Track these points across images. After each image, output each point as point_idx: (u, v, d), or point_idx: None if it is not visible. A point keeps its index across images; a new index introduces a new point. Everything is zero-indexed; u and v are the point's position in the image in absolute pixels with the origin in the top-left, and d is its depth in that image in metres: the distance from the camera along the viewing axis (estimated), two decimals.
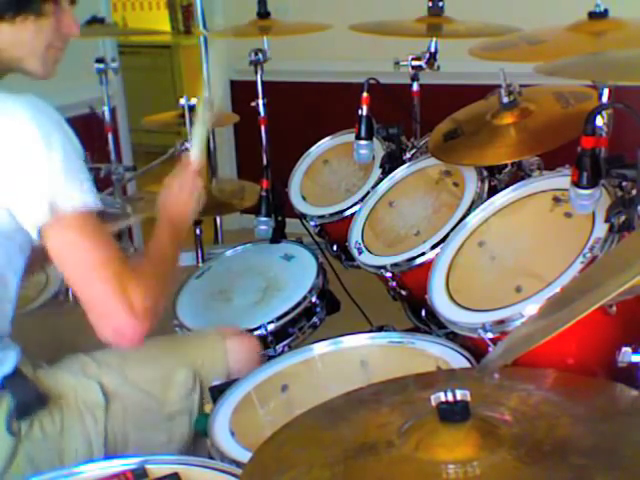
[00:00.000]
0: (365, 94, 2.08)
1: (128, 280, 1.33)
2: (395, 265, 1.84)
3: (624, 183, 1.51)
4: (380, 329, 1.95)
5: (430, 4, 2.37)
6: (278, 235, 2.24)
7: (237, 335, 1.72)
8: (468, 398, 0.95)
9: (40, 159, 1.28)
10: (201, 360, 1.61)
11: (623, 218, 1.42)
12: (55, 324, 1.81)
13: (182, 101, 2.56)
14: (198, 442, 1.57)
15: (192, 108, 2.58)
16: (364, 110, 2.09)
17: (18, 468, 1.39)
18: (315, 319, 1.98)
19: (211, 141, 4.00)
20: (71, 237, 1.31)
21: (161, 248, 1.53)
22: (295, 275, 2.05)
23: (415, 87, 2.44)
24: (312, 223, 2.21)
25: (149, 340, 1.65)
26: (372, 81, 2.09)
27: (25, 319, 1.49)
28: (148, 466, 1.20)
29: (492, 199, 1.75)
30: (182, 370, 1.58)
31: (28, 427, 1.42)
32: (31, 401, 1.42)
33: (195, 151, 1.69)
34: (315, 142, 2.37)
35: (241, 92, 4.12)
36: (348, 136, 2.25)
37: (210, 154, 4.02)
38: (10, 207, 1.30)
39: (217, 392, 1.52)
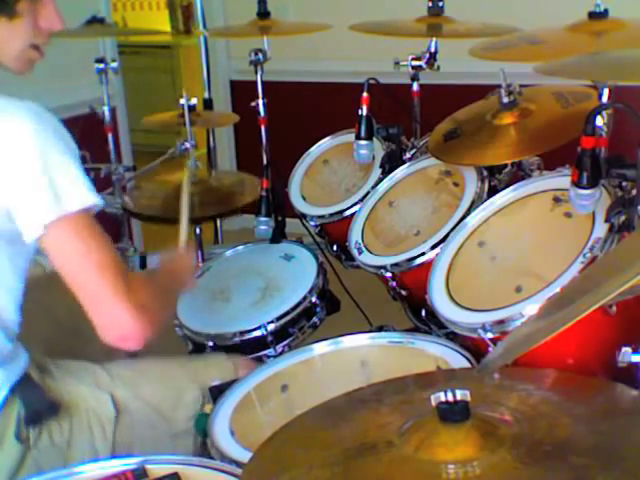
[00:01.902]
0: (365, 94, 2.08)
1: (130, 284, 1.33)
2: (395, 265, 1.83)
3: (624, 183, 1.51)
4: (380, 329, 1.95)
5: (430, 4, 2.37)
6: (278, 235, 2.24)
7: (246, 362, 1.72)
8: (468, 398, 0.95)
9: (39, 164, 1.27)
10: (211, 382, 1.61)
11: (623, 218, 1.42)
12: (49, 305, 1.80)
13: (182, 101, 2.56)
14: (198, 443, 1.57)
15: (192, 108, 2.59)
16: (364, 110, 2.09)
17: (25, 476, 1.39)
18: (315, 319, 1.97)
19: (211, 141, 4.02)
20: (73, 239, 1.30)
21: (159, 282, 1.55)
22: (295, 275, 2.05)
23: (415, 87, 2.45)
24: (312, 223, 2.21)
25: (162, 358, 1.67)
26: (372, 81, 2.09)
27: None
28: (148, 466, 1.20)
29: (492, 199, 1.75)
30: (192, 391, 1.58)
31: (37, 435, 1.42)
32: (42, 409, 1.42)
33: (182, 239, 1.75)
34: (315, 142, 2.37)
35: (241, 92, 4.13)
36: (348, 136, 2.25)
37: (210, 154, 4.03)
38: (11, 212, 1.29)
39: (217, 392, 1.52)
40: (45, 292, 1.70)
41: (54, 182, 1.28)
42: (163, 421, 1.55)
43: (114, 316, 1.32)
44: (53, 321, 1.74)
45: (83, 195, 1.30)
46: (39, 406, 1.41)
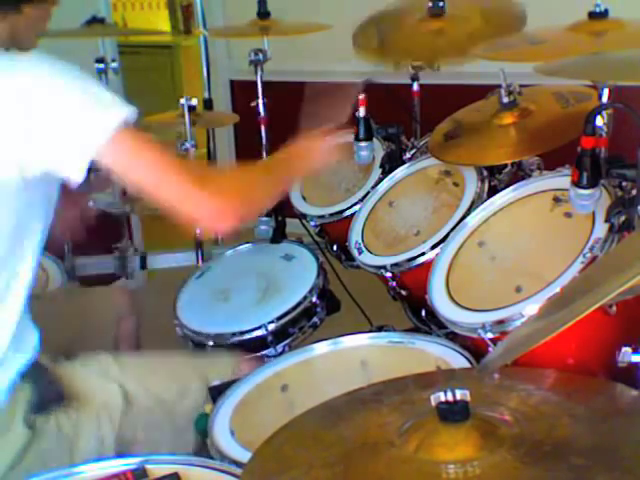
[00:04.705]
0: (362, 96, 2.07)
1: (202, 172, 1.36)
2: (395, 265, 1.84)
3: (624, 183, 1.51)
4: (380, 329, 1.95)
5: (430, 4, 2.37)
6: (278, 235, 2.24)
7: (248, 358, 1.73)
8: (468, 398, 0.95)
9: (71, 96, 1.29)
10: (214, 377, 1.61)
11: (623, 218, 1.42)
12: (65, 313, 1.82)
13: (182, 101, 2.56)
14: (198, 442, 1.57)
15: (192, 108, 2.59)
16: (361, 112, 2.08)
17: (27, 464, 1.39)
18: (315, 319, 1.97)
19: (211, 141, 4.01)
20: (130, 152, 1.31)
21: (273, 161, 1.60)
22: (295, 275, 2.05)
23: (415, 87, 2.44)
24: (312, 223, 2.21)
25: (167, 353, 1.68)
26: (367, 81, 2.08)
27: (34, 304, 1.49)
28: (148, 466, 1.20)
29: (492, 199, 1.75)
30: (196, 385, 1.59)
31: (44, 423, 1.42)
32: (51, 397, 1.42)
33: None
34: None
35: (241, 92, 4.12)
36: (348, 136, 2.25)
37: (210, 154, 4.02)
38: (45, 154, 1.28)
39: (217, 392, 1.52)
40: (63, 304, 1.83)
41: (91, 105, 1.29)
42: (168, 414, 1.56)
43: (196, 202, 1.32)
44: (69, 329, 1.76)
45: (122, 108, 1.30)
46: (48, 394, 1.42)
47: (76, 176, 1.30)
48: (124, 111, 1.30)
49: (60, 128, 1.28)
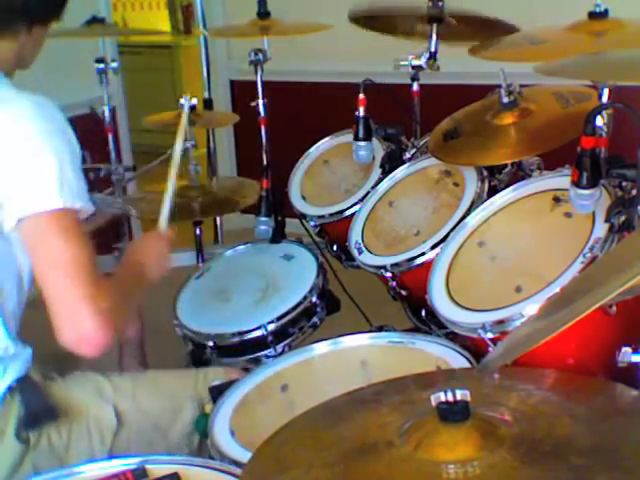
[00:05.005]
0: (361, 95, 2.07)
1: (98, 288, 1.30)
2: (395, 265, 1.83)
3: (624, 183, 1.51)
4: (380, 329, 1.95)
5: (430, 4, 2.36)
6: (278, 235, 2.24)
7: (240, 374, 1.72)
8: (468, 398, 0.95)
9: (33, 155, 1.28)
10: (207, 394, 1.61)
11: (623, 218, 1.42)
12: None
13: (182, 101, 2.56)
14: (198, 443, 1.57)
15: (192, 108, 2.59)
16: (361, 111, 2.08)
17: (23, 476, 1.39)
18: (315, 319, 1.97)
19: (211, 141, 4.02)
20: (48, 235, 1.29)
21: (126, 277, 1.53)
22: (295, 275, 2.05)
23: (415, 87, 2.44)
24: (312, 223, 2.21)
25: (161, 371, 1.69)
26: (367, 82, 2.09)
27: (30, 315, 1.49)
28: (148, 466, 1.20)
29: (492, 199, 1.75)
30: (189, 404, 1.58)
31: (37, 438, 1.42)
32: (41, 412, 1.42)
33: (163, 220, 1.72)
34: (315, 142, 2.37)
35: (241, 92, 4.13)
36: (348, 136, 2.25)
37: (210, 154, 4.03)
38: (3, 202, 1.29)
39: (217, 392, 1.52)
40: None
41: (46, 175, 1.28)
42: (160, 434, 1.56)
43: (75, 318, 1.29)
44: None
45: (72, 195, 1.30)
46: (38, 409, 1.41)
47: (7, 225, 1.30)
48: (78, 202, 1.30)
49: (18, 175, 1.29)
